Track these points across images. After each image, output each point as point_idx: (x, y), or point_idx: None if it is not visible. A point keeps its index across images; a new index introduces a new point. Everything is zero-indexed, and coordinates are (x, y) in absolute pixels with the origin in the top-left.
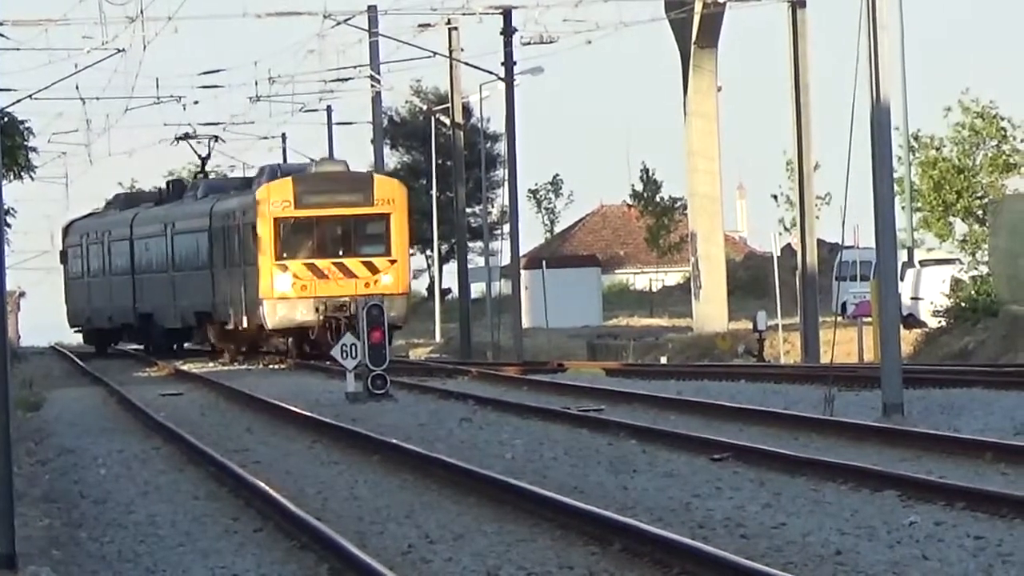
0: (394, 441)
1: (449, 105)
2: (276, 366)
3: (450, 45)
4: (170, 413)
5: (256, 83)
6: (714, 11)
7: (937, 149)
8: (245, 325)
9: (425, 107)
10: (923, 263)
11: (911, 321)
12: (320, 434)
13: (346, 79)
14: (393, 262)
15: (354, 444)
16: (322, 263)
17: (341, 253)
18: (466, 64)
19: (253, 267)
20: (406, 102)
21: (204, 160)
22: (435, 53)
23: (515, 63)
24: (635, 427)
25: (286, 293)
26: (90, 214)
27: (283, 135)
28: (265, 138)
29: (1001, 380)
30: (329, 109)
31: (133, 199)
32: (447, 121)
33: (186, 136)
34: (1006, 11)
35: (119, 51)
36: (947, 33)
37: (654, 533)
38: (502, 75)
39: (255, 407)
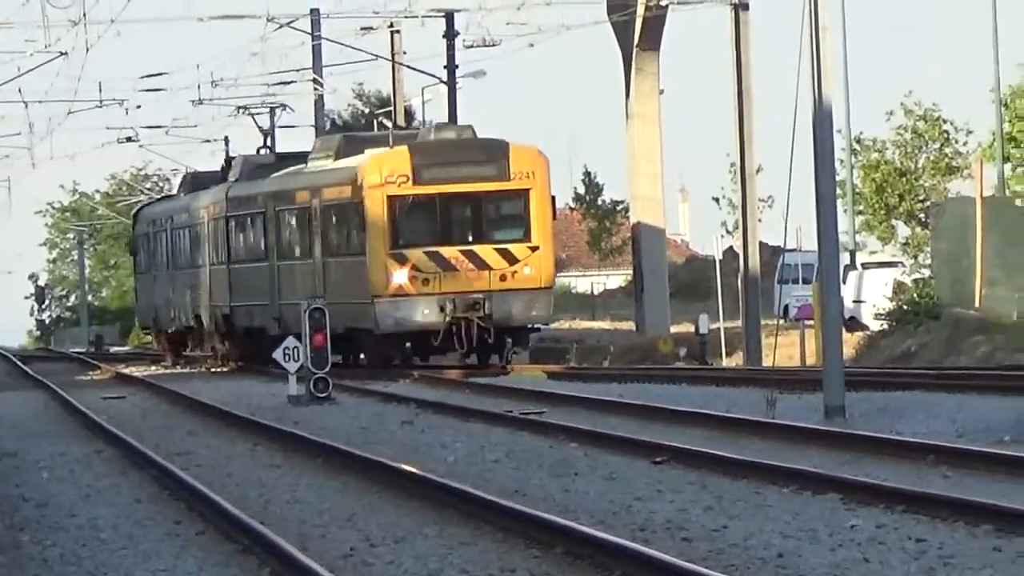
0: (336, 444)
1: (392, 108)
2: (218, 369)
3: (392, 48)
4: (112, 416)
5: (199, 86)
6: (656, 14)
7: (879, 152)
8: (344, 329)
9: (368, 110)
10: (865, 266)
11: (853, 324)
12: (262, 437)
13: (289, 82)
14: (535, 249)
15: (296, 447)
16: (448, 252)
17: (471, 239)
18: (409, 67)
19: (358, 258)
20: (348, 105)
21: (267, 134)
22: (377, 56)
23: (457, 66)
24: (577, 430)
25: (404, 289)
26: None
27: (226, 138)
28: (207, 141)
29: (943, 383)
30: (272, 112)
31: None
32: (389, 124)
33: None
34: (948, 14)
35: (62, 54)
36: (890, 36)
37: (595, 536)
38: (444, 78)
39: (197, 410)
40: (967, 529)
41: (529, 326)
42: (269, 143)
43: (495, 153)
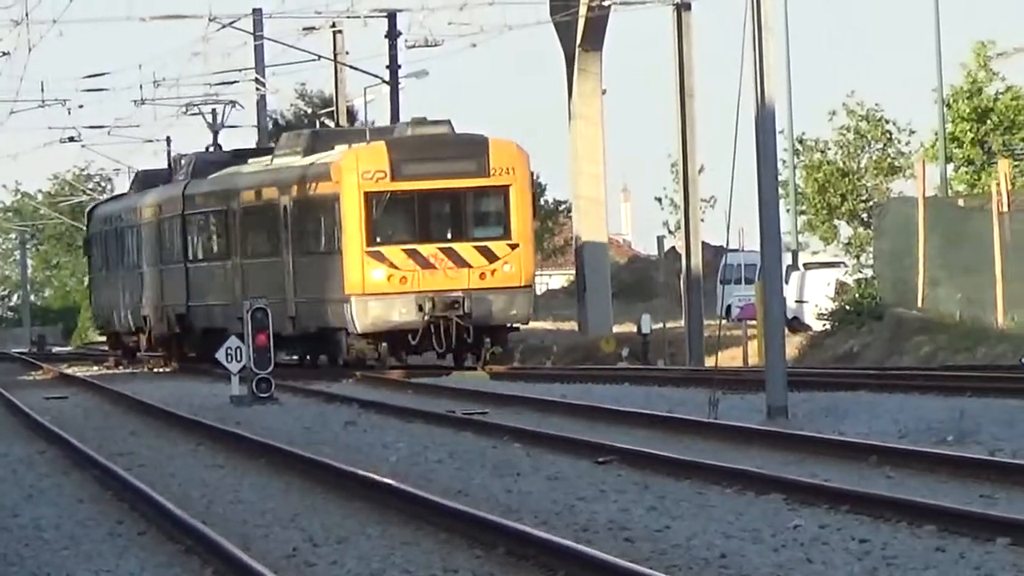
0: (278, 444)
1: (334, 108)
2: (161, 369)
3: (335, 48)
4: (55, 417)
5: (141, 86)
6: (599, 14)
7: (822, 152)
8: (314, 328)
9: (310, 110)
10: (808, 266)
11: (796, 324)
12: (205, 437)
13: (231, 82)
14: (514, 247)
15: (238, 447)
16: (426, 249)
17: (450, 236)
18: (351, 67)
19: (332, 255)
20: (291, 105)
21: (216, 131)
22: (320, 56)
23: (400, 66)
24: (519, 430)
25: (381, 288)
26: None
27: (167, 138)
28: (150, 141)
29: (886, 383)
30: (214, 112)
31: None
32: (332, 124)
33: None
34: (891, 14)
35: (4, 54)
36: (832, 36)
37: (538, 536)
38: (387, 78)
39: (140, 410)
40: (910, 529)
41: (508, 325)
42: (218, 140)
43: (474, 149)
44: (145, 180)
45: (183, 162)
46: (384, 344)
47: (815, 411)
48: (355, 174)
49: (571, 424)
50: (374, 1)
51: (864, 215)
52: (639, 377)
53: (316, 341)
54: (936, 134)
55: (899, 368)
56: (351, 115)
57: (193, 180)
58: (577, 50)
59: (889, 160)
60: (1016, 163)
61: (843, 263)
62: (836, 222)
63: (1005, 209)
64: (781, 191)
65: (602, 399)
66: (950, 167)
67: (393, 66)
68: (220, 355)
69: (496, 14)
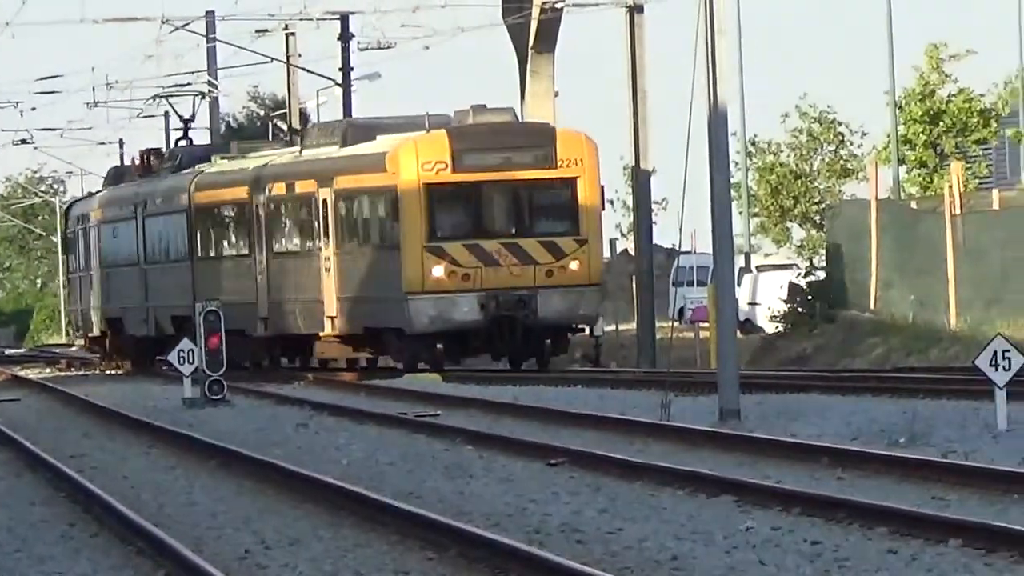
0: (230, 447)
1: (286, 110)
2: (113, 371)
3: (287, 50)
4: (7, 419)
5: (94, 89)
6: (551, 16)
7: (774, 154)
8: (363, 329)
9: (262, 112)
10: (760, 268)
11: (748, 326)
12: (157, 439)
13: (184, 84)
14: (582, 243)
15: (191, 449)
16: (490, 245)
17: (515, 232)
18: (303, 69)
19: (387, 251)
20: (243, 108)
21: (187, 123)
22: (272, 59)
23: (352, 68)
24: (471, 432)
25: (441, 285)
26: None
27: (120, 140)
28: (103, 143)
29: (838, 385)
30: (166, 115)
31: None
32: (284, 127)
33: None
34: (843, 16)
35: None
36: (785, 38)
37: (490, 538)
38: (339, 80)
39: (92, 413)
40: (862, 531)
41: (574, 326)
42: (188, 134)
43: (540, 138)
44: (116, 176)
45: (169, 154)
46: (439, 346)
47: (767, 413)
48: (414, 164)
49: (523, 426)
50: (327, 3)
51: (817, 217)
52: (591, 379)
53: (361, 341)
54: (888, 136)
55: (851, 370)
56: (304, 117)
57: (202, 173)
58: (529, 52)
59: (842, 162)
60: (968, 165)
61: (796, 265)
62: (789, 224)
63: (957, 211)
64: (733, 193)
65: (554, 401)
66: (902, 169)
67: (346, 68)
68: (172, 357)
69: (448, 16)
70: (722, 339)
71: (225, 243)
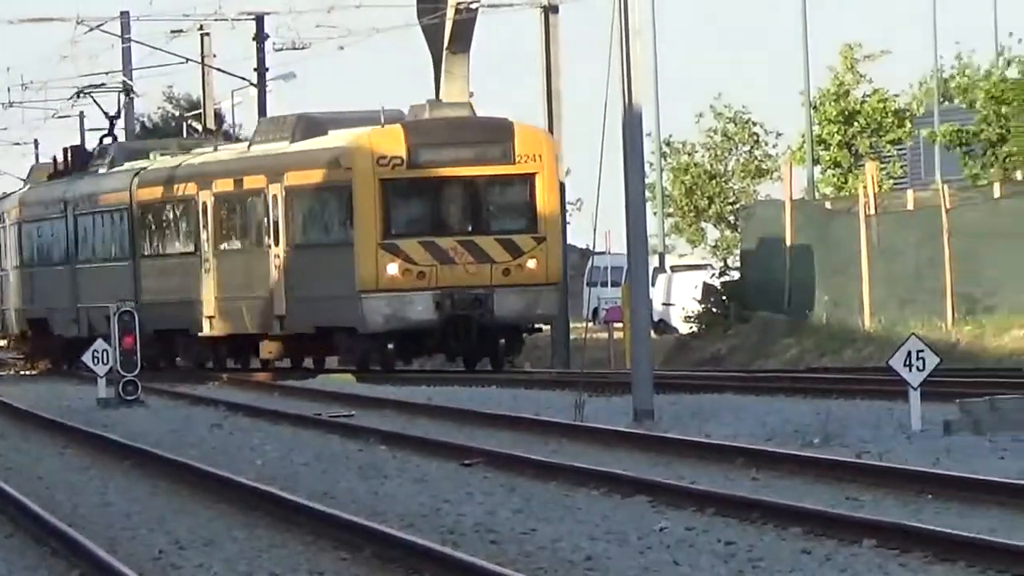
0: (145, 447)
1: (201, 111)
2: (28, 371)
3: (202, 51)
4: None
5: (9, 89)
6: (466, 16)
7: (689, 154)
8: (311, 327)
9: (178, 113)
10: (675, 269)
11: (663, 327)
12: (71, 440)
13: (99, 85)
14: (541, 241)
15: (105, 450)
16: (446, 243)
17: (472, 229)
18: (218, 70)
19: (339, 248)
20: (159, 108)
21: (112, 120)
22: (188, 59)
23: (267, 69)
24: (386, 433)
25: (396, 283)
26: None
27: (35, 141)
28: (17, 144)
29: (752, 385)
30: (82, 115)
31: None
32: (199, 127)
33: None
34: (758, 16)
35: None
36: (700, 37)
37: (404, 538)
38: (254, 81)
39: (6, 413)
40: (776, 532)
41: (532, 326)
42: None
43: (499, 133)
44: (39, 175)
45: (99, 151)
46: (390, 345)
47: (682, 413)
48: (370, 160)
49: (438, 426)
50: (242, 4)
51: (731, 218)
52: (506, 380)
53: (312, 341)
54: (803, 136)
55: (766, 371)
56: (219, 118)
57: (142, 169)
58: (444, 53)
59: (756, 163)
60: (883, 166)
61: (710, 266)
62: (703, 225)
63: (872, 212)
64: (648, 193)
65: (469, 401)
66: (817, 170)
67: (261, 69)
68: (87, 358)
69: (363, 17)
70: (636, 339)
71: (169, 241)
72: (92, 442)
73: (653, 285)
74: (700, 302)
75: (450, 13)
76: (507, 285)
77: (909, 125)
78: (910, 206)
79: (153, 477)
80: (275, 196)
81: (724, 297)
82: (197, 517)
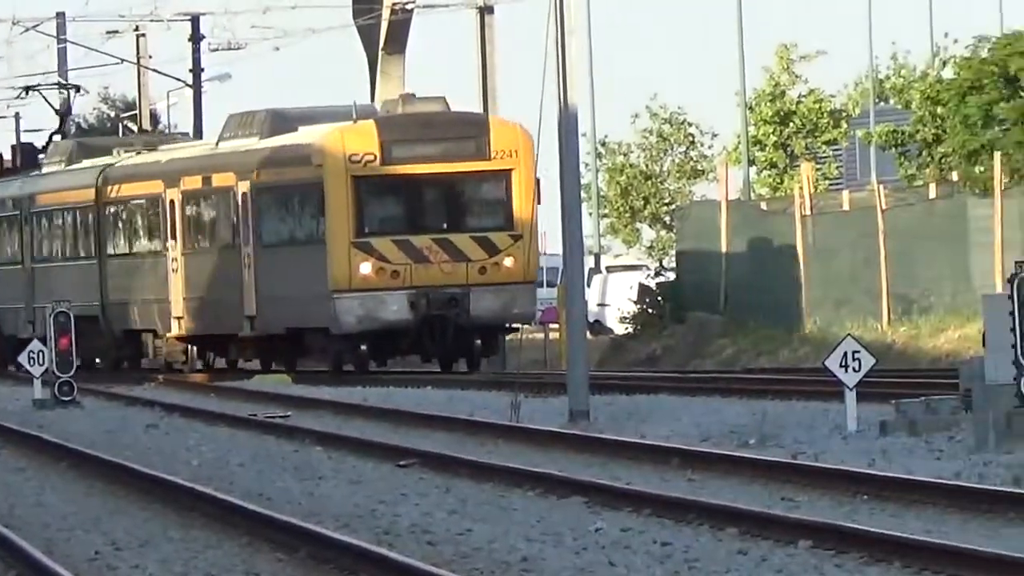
0: (81, 448)
1: (137, 112)
2: None
3: (138, 52)
4: None
5: None
6: (401, 17)
7: (625, 155)
8: (283, 329)
9: (113, 114)
10: (610, 269)
11: (598, 327)
12: (7, 441)
13: (34, 86)
14: (517, 238)
15: (41, 451)
16: (420, 241)
17: (447, 227)
18: (154, 71)
19: (311, 247)
20: (94, 109)
21: (63, 116)
22: (123, 60)
23: (203, 69)
24: (321, 433)
25: (369, 283)
26: None
27: None
28: None
29: (688, 386)
30: (17, 116)
31: None
32: (135, 128)
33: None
34: (694, 16)
35: None
36: (636, 38)
37: (339, 539)
38: (190, 81)
39: None
40: (712, 532)
41: (508, 325)
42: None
43: (473, 129)
44: None
45: (54, 148)
46: (363, 347)
47: (617, 414)
48: (341, 157)
49: (373, 427)
50: (177, 5)
51: (667, 218)
52: (441, 380)
53: (284, 342)
54: (739, 137)
55: (701, 371)
56: (154, 118)
57: (108, 167)
58: (380, 53)
59: (692, 163)
60: (819, 166)
61: (645, 266)
62: (639, 225)
63: (808, 212)
64: (583, 194)
65: (404, 402)
66: (753, 170)
67: (196, 69)
68: (22, 358)
69: (299, 18)
70: (571, 340)
71: (137, 239)
72: (28, 443)
73: (588, 286)
74: (636, 303)
75: (385, 14)
76: (483, 284)
77: (845, 126)
78: (846, 207)
79: (89, 478)
80: (244, 194)
81: (660, 298)
82: (133, 518)
